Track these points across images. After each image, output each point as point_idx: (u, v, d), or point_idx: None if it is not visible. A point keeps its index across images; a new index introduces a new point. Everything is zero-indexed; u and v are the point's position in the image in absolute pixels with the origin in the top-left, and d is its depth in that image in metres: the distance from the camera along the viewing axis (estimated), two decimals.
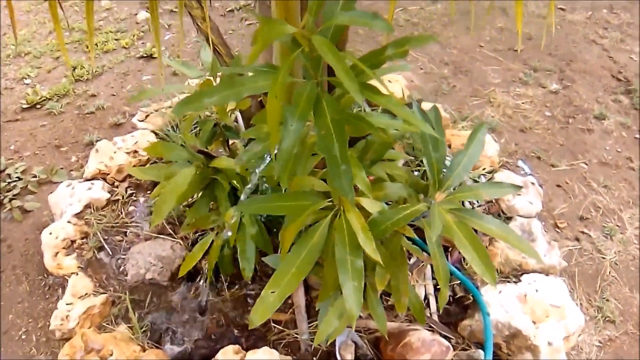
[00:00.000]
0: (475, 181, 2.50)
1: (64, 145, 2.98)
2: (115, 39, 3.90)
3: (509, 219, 2.36)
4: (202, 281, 2.05)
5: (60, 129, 3.10)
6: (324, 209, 1.45)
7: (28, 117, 3.21)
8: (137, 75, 3.55)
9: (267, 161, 1.66)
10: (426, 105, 2.89)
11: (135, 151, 2.63)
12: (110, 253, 2.21)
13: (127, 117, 3.13)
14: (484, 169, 2.58)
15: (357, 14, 1.16)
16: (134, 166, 2.61)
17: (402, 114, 1.15)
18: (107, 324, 1.95)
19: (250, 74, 1.30)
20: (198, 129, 2.02)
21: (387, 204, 1.59)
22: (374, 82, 1.15)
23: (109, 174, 2.55)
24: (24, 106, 3.26)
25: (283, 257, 1.42)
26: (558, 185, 2.68)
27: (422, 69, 3.51)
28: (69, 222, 2.28)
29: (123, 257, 2.19)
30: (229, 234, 1.81)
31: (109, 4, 4.36)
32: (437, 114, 1.54)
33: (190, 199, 2.17)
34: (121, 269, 2.15)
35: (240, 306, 2.01)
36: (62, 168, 2.81)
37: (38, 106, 3.28)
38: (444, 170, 1.48)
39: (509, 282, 2.09)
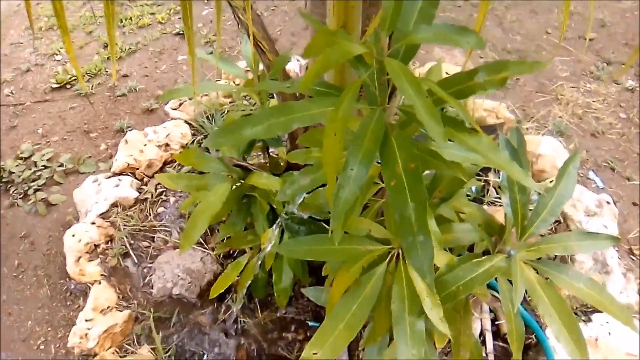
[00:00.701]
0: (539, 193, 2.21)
1: (93, 130, 2.81)
2: (151, 13, 3.69)
3: None
4: (233, 302, 1.86)
5: (91, 112, 2.93)
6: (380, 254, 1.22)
7: (58, 97, 3.04)
8: (172, 54, 3.33)
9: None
10: (488, 103, 2.60)
11: (167, 144, 2.43)
12: (136, 261, 2.03)
13: (160, 102, 2.93)
14: (550, 181, 2.29)
15: (442, 28, 0.90)
16: (165, 162, 2.41)
17: (496, 161, 0.90)
18: (129, 343, 1.79)
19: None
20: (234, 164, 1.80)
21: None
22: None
23: (138, 169, 2.37)
24: (54, 86, 3.10)
25: (330, 309, 1.21)
26: (634, 204, 2.36)
27: (481, 57, 3.19)
28: (93, 223, 2.11)
29: (149, 265, 2.02)
30: (266, 251, 1.60)
31: None
32: (521, 141, 1.27)
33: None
34: (147, 280, 1.98)
35: (274, 330, 1.81)
36: (89, 157, 2.64)
37: (68, 86, 3.11)
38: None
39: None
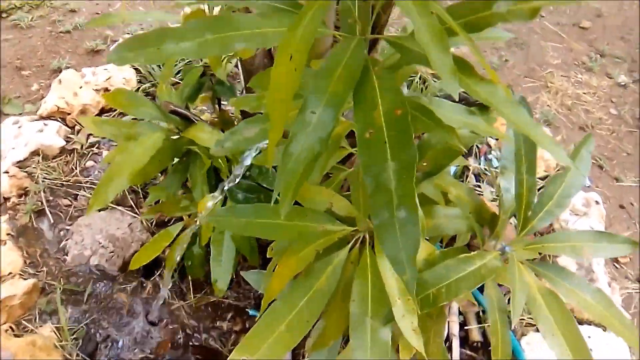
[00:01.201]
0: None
1: (26, 67, 2.43)
2: None
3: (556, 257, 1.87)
4: (162, 278, 1.57)
5: (27, 47, 2.54)
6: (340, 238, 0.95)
7: None
8: None
9: (258, 151, 1.14)
10: None
11: (107, 89, 2.09)
12: (52, 221, 1.71)
13: (108, 43, 2.57)
14: (557, 169, 2.06)
15: None
16: (102, 110, 2.07)
17: (515, 119, 0.63)
18: (30, 319, 1.48)
19: (254, 11, 0.77)
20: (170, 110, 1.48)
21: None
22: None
23: (69, 114, 2.02)
24: None
25: (267, 303, 0.93)
26: (621, 206, 2.16)
27: None
28: (6, 172, 1.77)
29: (68, 228, 1.70)
30: (203, 221, 1.31)
31: None
32: (529, 112, 1.01)
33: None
34: (62, 245, 1.66)
35: (206, 317, 1.53)
36: (18, 97, 2.27)
37: (4, 15, 2.70)
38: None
39: None
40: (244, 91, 1.51)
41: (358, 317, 0.86)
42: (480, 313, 1.59)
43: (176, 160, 1.39)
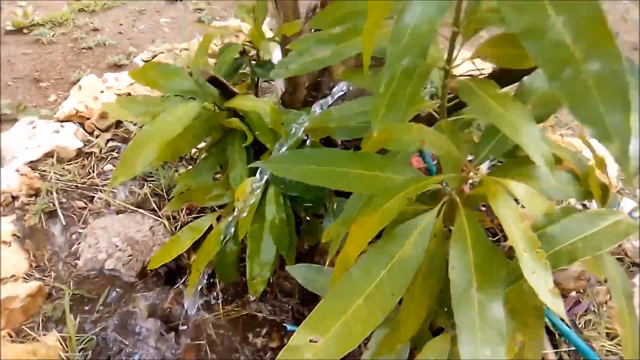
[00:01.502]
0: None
1: (45, 80, 2.32)
2: None
3: (636, 265, 1.65)
4: (186, 286, 1.37)
5: (46, 61, 2.45)
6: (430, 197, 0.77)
7: (10, 41, 2.56)
8: (154, 15, 2.89)
9: (319, 110, 0.99)
10: None
11: (129, 94, 1.96)
12: (65, 223, 1.53)
13: (131, 58, 2.47)
14: None
15: None
16: None
17: None
18: (32, 327, 1.27)
19: None
20: (214, 62, 1.34)
21: None
22: None
23: (88, 119, 1.88)
24: (9, 28, 2.62)
25: (338, 275, 0.73)
26: None
27: None
28: (17, 170, 1.61)
29: (81, 231, 1.51)
30: (243, 215, 1.12)
31: None
32: None
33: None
34: (74, 248, 1.47)
35: (237, 333, 1.31)
36: (35, 106, 2.15)
37: (25, 31, 2.63)
38: None
39: None
40: (285, 84, 1.37)
41: (461, 288, 0.67)
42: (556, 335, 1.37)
43: (210, 143, 1.23)
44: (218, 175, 1.35)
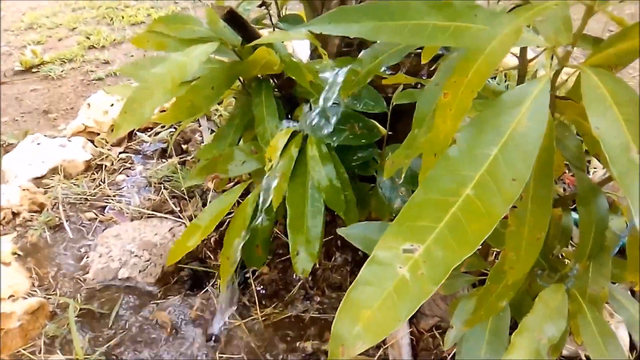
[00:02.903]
0: None
1: (54, 111, 2.19)
2: (147, 14, 3.21)
3: None
4: (215, 288, 1.13)
5: (56, 94, 2.32)
6: None
7: (18, 80, 2.46)
8: None
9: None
10: None
11: None
12: (72, 236, 1.32)
13: None
14: None
15: None
16: (140, 127, 1.76)
17: None
18: (33, 352, 1.04)
19: None
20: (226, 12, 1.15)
21: None
22: None
23: (98, 134, 1.72)
24: (18, 68, 2.53)
25: (429, 164, 0.51)
26: None
27: None
28: (19, 186, 1.42)
29: (90, 243, 1.30)
30: (273, 183, 0.90)
31: None
32: None
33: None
34: (83, 262, 1.25)
35: (282, 338, 1.06)
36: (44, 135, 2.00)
37: (34, 70, 2.53)
38: None
39: None
40: None
41: (617, 150, 0.44)
42: None
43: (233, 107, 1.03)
44: None
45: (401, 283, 0.41)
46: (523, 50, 0.69)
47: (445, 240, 0.44)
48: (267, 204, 0.92)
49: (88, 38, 2.84)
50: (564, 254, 0.85)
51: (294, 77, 0.90)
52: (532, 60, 0.74)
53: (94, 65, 2.59)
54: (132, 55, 2.69)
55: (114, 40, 2.84)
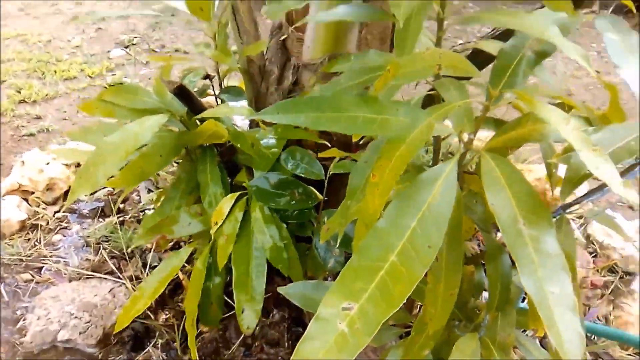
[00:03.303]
0: None
1: None
2: (80, 69, 3.21)
3: (628, 274, 1.59)
4: (156, 349, 1.16)
5: None
6: None
7: None
8: None
9: None
10: None
11: (79, 165, 1.81)
12: (7, 298, 1.30)
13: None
14: None
15: None
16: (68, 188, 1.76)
17: None
18: None
19: None
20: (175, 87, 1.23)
21: None
22: None
23: (33, 193, 1.71)
24: None
25: (361, 234, 0.61)
26: None
27: None
28: None
29: (27, 305, 1.29)
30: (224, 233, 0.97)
31: (79, 42, 3.73)
32: None
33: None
34: (19, 325, 1.24)
35: None
36: None
37: None
38: None
39: None
40: (253, 100, 1.28)
41: (507, 223, 0.56)
42: None
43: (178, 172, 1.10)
44: None
45: (341, 337, 0.50)
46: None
47: (376, 299, 0.53)
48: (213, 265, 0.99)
49: (19, 92, 2.81)
50: (478, 306, 0.96)
51: (239, 146, 0.99)
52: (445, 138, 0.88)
53: (25, 120, 2.55)
54: (65, 111, 2.69)
55: (46, 95, 2.82)
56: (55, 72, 3.14)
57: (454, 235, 0.66)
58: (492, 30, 1.01)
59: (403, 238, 0.57)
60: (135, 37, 3.70)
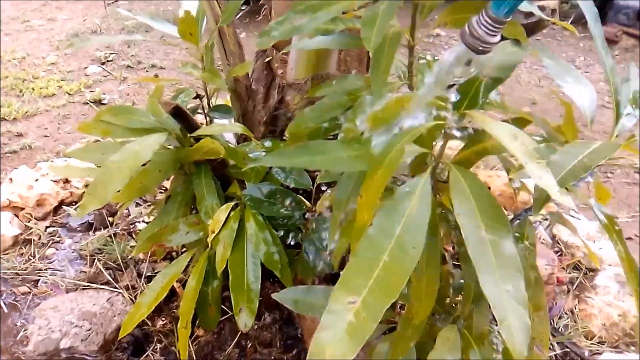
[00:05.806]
0: None
1: None
2: (58, 86, 3.24)
3: (591, 271, 1.72)
4: (155, 352, 1.23)
5: None
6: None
7: None
8: (80, 118, 2.85)
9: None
10: None
11: (68, 180, 1.86)
12: (6, 310, 1.36)
13: (61, 157, 2.38)
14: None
15: None
16: (62, 202, 1.82)
17: None
18: None
19: None
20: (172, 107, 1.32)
21: None
22: None
23: (23, 209, 1.75)
24: None
25: (357, 241, 0.70)
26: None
27: None
28: None
29: (27, 316, 1.35)
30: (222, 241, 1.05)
31: (54, 59, 3.74)
32: None
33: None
34: (20, 335, 1.30)
35: None
36: None
37: None
38: None
39: None
40: (241, 118, 1.37)
41: (471, 231, 0.66)
42: None
43: (174, 186, 1.18)
44: None
45: (350, 326, 0.59)
46: None
47: (375, 292, 0.62)
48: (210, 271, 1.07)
49: None
50: (456, 301, 1.07)
51: (233, 160, 1.08)
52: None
53: (7, 138, 2.58)
54: (46, 128, 2.72)
55: (26, 112, 2.85)
56: (34, 89, 3.16)
57: (432, 238, 0.76)
58: None
59: (391, 242, 0.67)
60: (111, 54, 3.73)
